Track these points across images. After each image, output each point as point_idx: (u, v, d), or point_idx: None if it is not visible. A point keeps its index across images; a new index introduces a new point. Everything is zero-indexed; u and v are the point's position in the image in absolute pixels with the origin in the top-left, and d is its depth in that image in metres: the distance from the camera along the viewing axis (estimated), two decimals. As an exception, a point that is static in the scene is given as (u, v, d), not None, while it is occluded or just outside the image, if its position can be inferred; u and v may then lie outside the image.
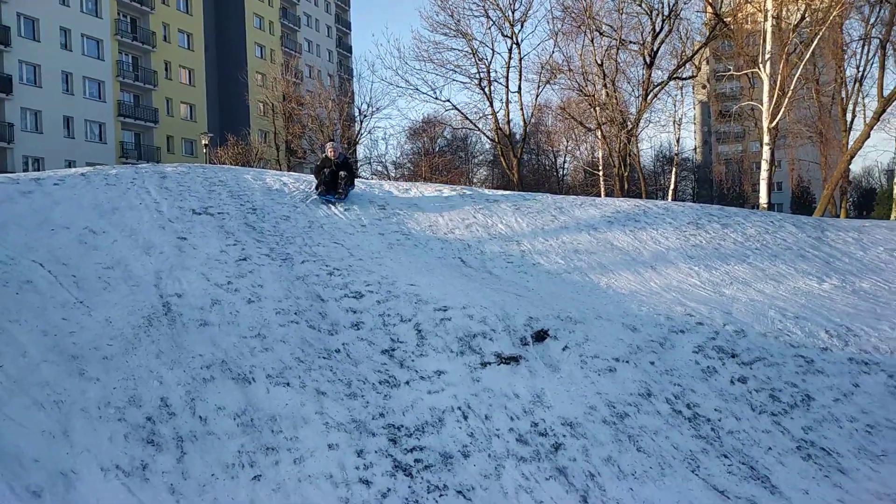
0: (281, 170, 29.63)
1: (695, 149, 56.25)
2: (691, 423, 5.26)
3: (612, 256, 8.52)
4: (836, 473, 4.86)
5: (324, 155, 9.71)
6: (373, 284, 6.66)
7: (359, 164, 36.29)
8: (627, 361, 5.83)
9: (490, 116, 26.60)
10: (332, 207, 9.09)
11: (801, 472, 4.85)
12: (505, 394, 5.27)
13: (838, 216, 26.67)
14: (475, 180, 46.49)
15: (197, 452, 4.22)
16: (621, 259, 8.45)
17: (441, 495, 4.23)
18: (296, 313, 5.91)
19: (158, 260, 6.31)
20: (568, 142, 40.68)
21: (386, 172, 39.72)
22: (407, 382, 5.28)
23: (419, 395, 5.16)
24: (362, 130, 33.39)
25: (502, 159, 28.47)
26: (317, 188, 9.29)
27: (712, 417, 5.34)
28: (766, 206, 19.23)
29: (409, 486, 4.26)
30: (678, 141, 32.81)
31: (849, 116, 26.33)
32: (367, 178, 19.61)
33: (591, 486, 4.50)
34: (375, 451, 4.51)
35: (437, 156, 36.85)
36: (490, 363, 5.59)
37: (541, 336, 6.01)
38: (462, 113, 26.74)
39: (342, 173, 9.24)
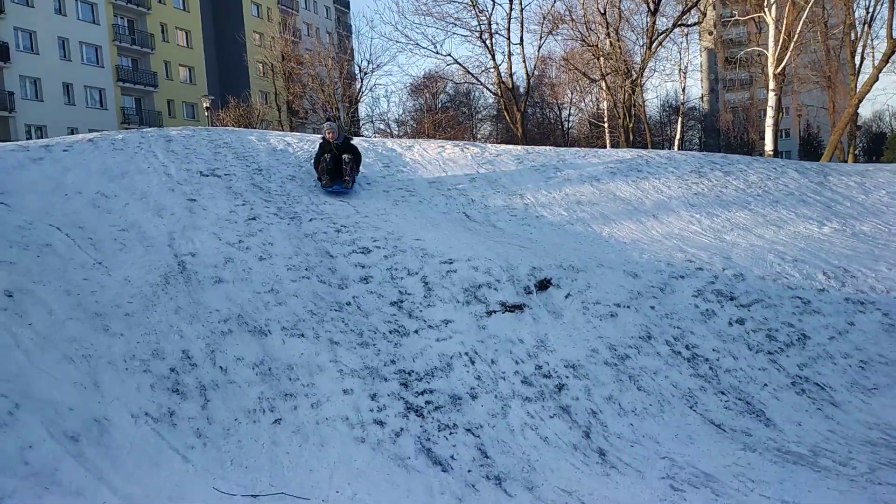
0: (283, 130, 29.53)
1: (701, 97, 55.37)
2: (690, 364, 5.48)
3: (615, 206, 8.64)
4: (828, 406, 5.09)
5: (321, 139, 8.53)
6: (380, 240, 6.83)
7: (361, 124, 36.05)
8: (628, 307, 6.02)
9: (492, 70, 26.31)
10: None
11: (794, 406, 5.09)
12: (510, 340, 5.49)
13: (846, 162, 26.47)
14: (479, 136, 46.16)
15: (220, 399, 4.47)
16: (623, 209, 8.57)
17: (451, 433, 4.48)
18: (306, 269, 6.10)
19: (170, 221, 6.48)
20: (572, 94, 40.21)
21: (388, 130, 39.50)
22: (416, 331, 5.49)
23: (428, 342, 5.38)
24: (363, 88, 33.12)
25: (506, 113, 28.25)
26: (320, 180, 8.18)
27: (710, 357, 5.56)
28: (771, 153, 19.13)
29: (421, 426, 4.51)
30: (684, 90, 32.39)
31: (857, 59, 25.85)
32: (370, 137, 19.53)
33: (593, 422, 4.75)
34: (388, 395, 4.76)
35: (440, 112, 36.55)
36: (495, 312, 5.79)
37: (544, 285, 6.19)
38: (464, 67, 26.44)
39: (346, 157, 8.09)
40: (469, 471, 4.18)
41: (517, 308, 5.85)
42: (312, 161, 8.45)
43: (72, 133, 30.91)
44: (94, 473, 3.64)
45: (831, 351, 5.66)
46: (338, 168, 8.11)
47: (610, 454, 4.44)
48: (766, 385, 5.28)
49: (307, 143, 9.96)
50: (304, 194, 7.97)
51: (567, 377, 5.16)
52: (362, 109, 38.10)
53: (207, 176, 7.84)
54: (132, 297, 5.13)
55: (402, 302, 5.87)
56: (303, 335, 5.22)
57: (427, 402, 4.75)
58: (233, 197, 7.38)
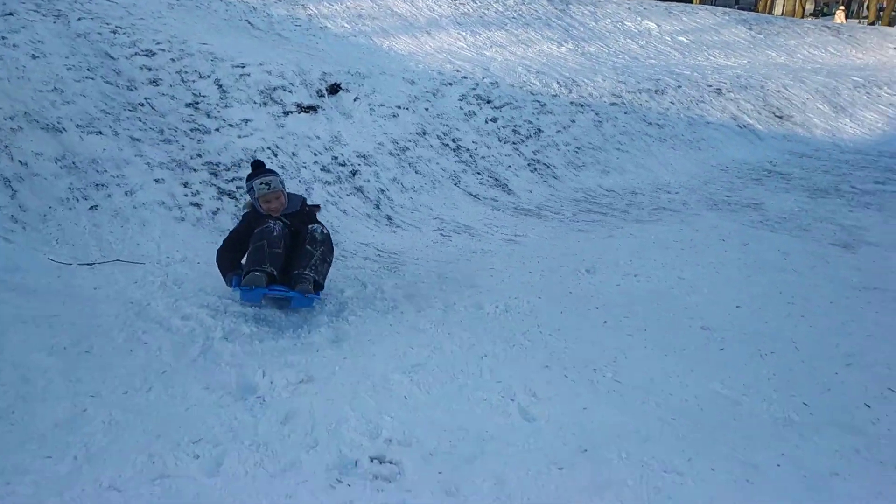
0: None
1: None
2: (455, 153, 6.75)
3: (393, 22, 9.27)
4: (551, 179, 6.79)
5: (245, 210, 3.95)
6: (163, 43, 6.73)
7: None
8: (407, 108, 7.00)
9: None
10: None
11: (528, 180, 6.69)
12: (307, 136, 6.18)
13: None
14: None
15: (28, 190, 4.59)
16: (401, 24, 9.25)
17: (264, 210, 5.22)
18: (88, 69, 5.93)
19: None
20: None
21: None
22: (217, 129, 5.88)
23: (231, 139, 5.84)
24: None
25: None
26: (244, 274, 3.48)
27: (470, 148, 6.88)
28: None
29: (236, 205, 5.16)
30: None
31: None
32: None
33: (381, 197, 5.82)
34: (200, 183, 5.26)
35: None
36: (291, 112, 6.36)
37: (334, 89, 6.84)
38: None
39: (315, 228, 3.73)
40: (283, 235, 5.02)
41: (311, 109, 6.48)
42: (228, 241, 3.78)
43: None
44: (-85, 253, 3.76)
45: (557, 141, 7.35)
46: (292, 257, 3.62)
47: (396, 218, 5.60)
48: (509, 167, 6.80)
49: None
50: (61, -9, 7.24)
51: (359, 165, 6.09)
52: None
53: (-71, -39, 6.68)
54: None
55: (197, 103, 6.12)
56: (100, 132, 5.32)
57: (238, 188, 5.36)
58: (-27, -12, 6.50)
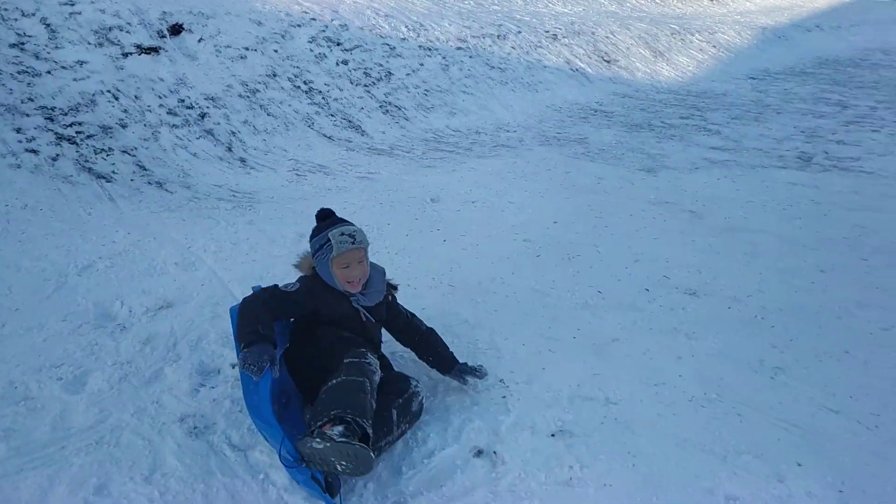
0: None
1: None
2: (307, 95, 6.88)
3: (236, -39, 8.96)
4: (402, 120, 7.15)
5: (296, 283, 2.50)
6: (-28, -23, 6.14)
7: None
8: (256, 50, 6.98)
9: None
10: None
11: (381, 122, 7.00)
12: (150, 78, 6.02)
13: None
14: None
15: None
16: (244, -36, 8.96)
17: (108, 155, 5.12)
18: None
19: None
20: None
21: None
22: (49, 72, 5.58)
23: (65, 82, 5.57)
24: None
25: None
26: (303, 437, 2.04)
27: (323, 90, 7.03)
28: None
29: (77, 151, 5.03)
30: None
31: None
32: None
33: (233, 140, 5.88)
34: (34, 128, 5.03)
35: None
36: (131, 53, 6.14)
37: (176, 30, 6.64)
38: None
39: (418, 392, 2.45)
40: (132, 180, 4.99)
41: (153, 51, 6.28)
42: (253, 297, 2.39)
43: None
44: None
45: (407, 83, 7.69)
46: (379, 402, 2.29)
47: (249, 161, 5.71)
48: (362, 108, 7.05)
49: None
50: None
51: (208, 108, 6.06)
52: None
53: None
54: None
55: (23, 44, 5.73)
56: None
57: (78, 133, 5.20)
58: None
